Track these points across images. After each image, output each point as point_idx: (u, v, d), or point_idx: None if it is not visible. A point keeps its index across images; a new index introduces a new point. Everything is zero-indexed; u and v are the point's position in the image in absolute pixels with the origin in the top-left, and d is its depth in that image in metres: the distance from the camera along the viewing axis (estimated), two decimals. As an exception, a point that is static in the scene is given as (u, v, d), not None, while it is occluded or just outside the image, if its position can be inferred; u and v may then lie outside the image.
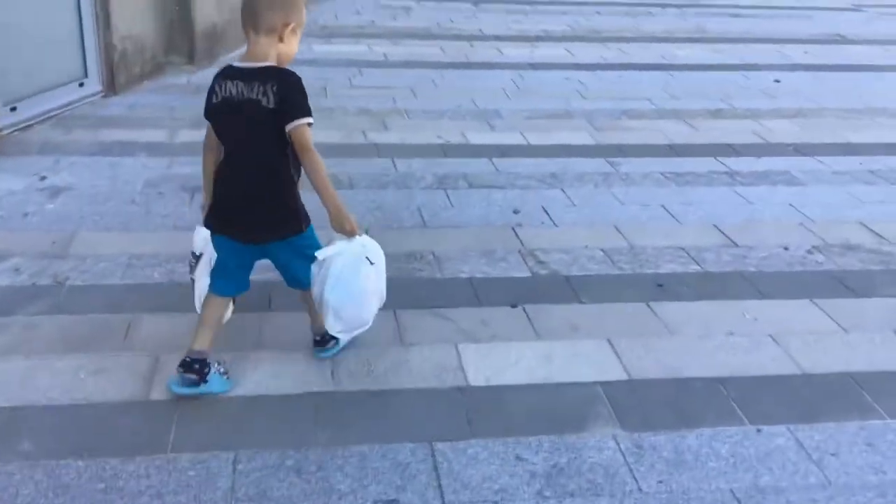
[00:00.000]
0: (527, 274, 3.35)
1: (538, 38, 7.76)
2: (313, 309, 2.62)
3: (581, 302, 3.15)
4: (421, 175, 4.31)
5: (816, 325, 3.04)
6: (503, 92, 5.98)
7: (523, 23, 8.46)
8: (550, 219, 3.88)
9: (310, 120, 2.41)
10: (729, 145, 5.01)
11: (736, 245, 3.67)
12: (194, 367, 2.50)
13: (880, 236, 3.81)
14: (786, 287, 3.32)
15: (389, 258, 2.65)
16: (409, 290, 3.14)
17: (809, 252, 3.63)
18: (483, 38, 7.71)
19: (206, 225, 2.59)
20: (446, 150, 4.76)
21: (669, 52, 7.45)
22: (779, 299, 3.22)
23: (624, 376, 2.69)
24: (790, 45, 7.92)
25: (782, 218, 4.00)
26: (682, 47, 7.66)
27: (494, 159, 4.61)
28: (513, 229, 3.74)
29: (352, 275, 2.50)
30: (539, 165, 4.55)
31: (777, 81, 6.55)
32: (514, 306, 3.08)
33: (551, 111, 5.58)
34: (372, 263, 2.53)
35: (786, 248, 3.65)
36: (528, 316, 3.02)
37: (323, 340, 2.73)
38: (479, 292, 3.18)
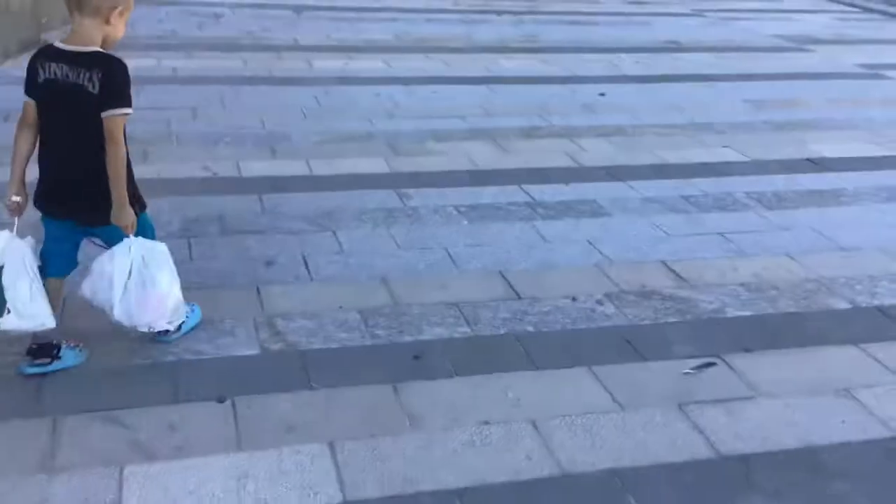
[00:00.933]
0: (255, 351, 2.72)
1: (356, 50, 7.18)
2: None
3: (311, 388, 2.55)
4: (167, 219, 3.60)
5: (590, 403, 2.54)
6: (301, 111, 5.38)
7: (345, 31, 7.88)
8: (308, 271, 3.29)
9: (127, 111, 2.45)
10: (537, 170, 4.55)
11: (519, 297, 3.16)
12: (43, 352, 2.56)
13: (680, 277, 3.39)
14: (563, 352, 2.81)
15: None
16: (89, 385, 2.48)
17: (599, 303, 3.16)
18: (295, 48, 7.08)
19: (37, 205, 2.57)
20: (208, 186, 4.09)
21: (496, 63, 7.02)
22: (552, 369, 2.71)
23: (337, 499, 2.13)
24: (623, 53, 7.64)
25: (577, 260, 3.54)
26: (511, 58, 7.25)
27: (264, 195, 3.98)
28: (257, 289, 3.12)
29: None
30: (316, 201, 3.95)
31: (602, 95, 6.19)
32: (221, 401, 2.44)
33: (349, 133, 5.00)
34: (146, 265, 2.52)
35: (573, 300, 3.16)
36: (235, 414, 2.39)
37: (39, 351, 2.60)
38: (181, 382, 2.54)
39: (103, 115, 2.38)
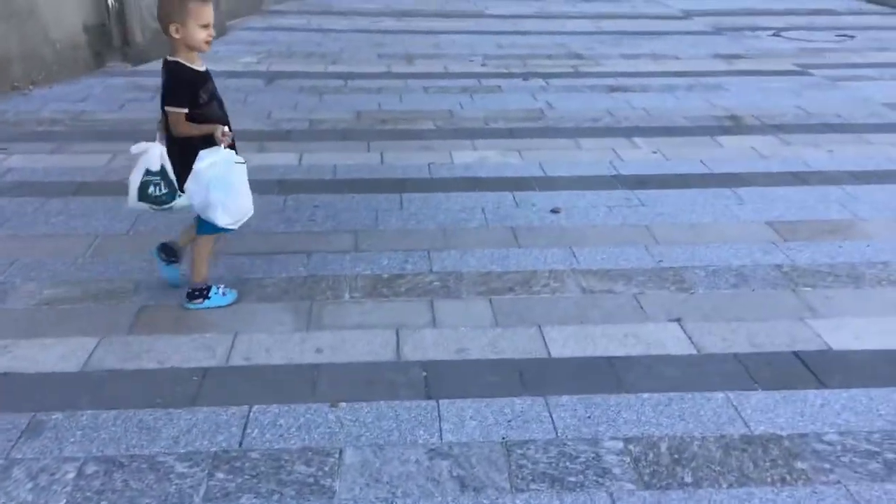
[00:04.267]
0: None
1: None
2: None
3: None
4: None
5: None
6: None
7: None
8: None
9: (177, 110, 3.22)
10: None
11: None
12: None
13: None
14: None
15: None
16: None
17: None
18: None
19: None
20: None
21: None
22: None
23: None
24: (638, 138, 5.87)
25: None
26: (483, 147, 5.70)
27: None
28: None
29: (227, 172, 3.23)
30: None
31: (555, 211, 4.54)
32: None
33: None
34: (243, 162, 3.32)
35: None
36: None
37: (192, 294, 3.49)
38: None
39: (165, 108, 3.24)
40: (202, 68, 3.37)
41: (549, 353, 3.16)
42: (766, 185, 4.94)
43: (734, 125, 6.18)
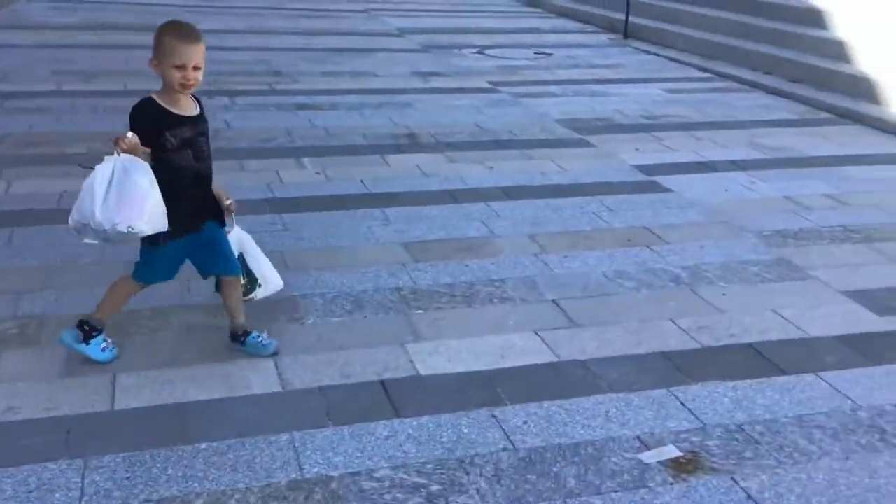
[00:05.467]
0: None
1: None
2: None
3: None
4: None
5: None
6: None
7: None
8: None
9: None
10: None
11: None
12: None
13: None
14: None
15: None
16: None
17: None
18: None
19: None
20: None
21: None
22: None
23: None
24: (307, 158, 5.78)
25: None
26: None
27: None
28: None
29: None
30: None
31: None
32: None
33: None
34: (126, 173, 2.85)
35: None
36: None
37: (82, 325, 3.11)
38: None
39: None
40: (185, 111, 3.03)
41: (112, 406, 2.89)
42: (417, 204, 4.95)
43: (410, 143, 6.24)
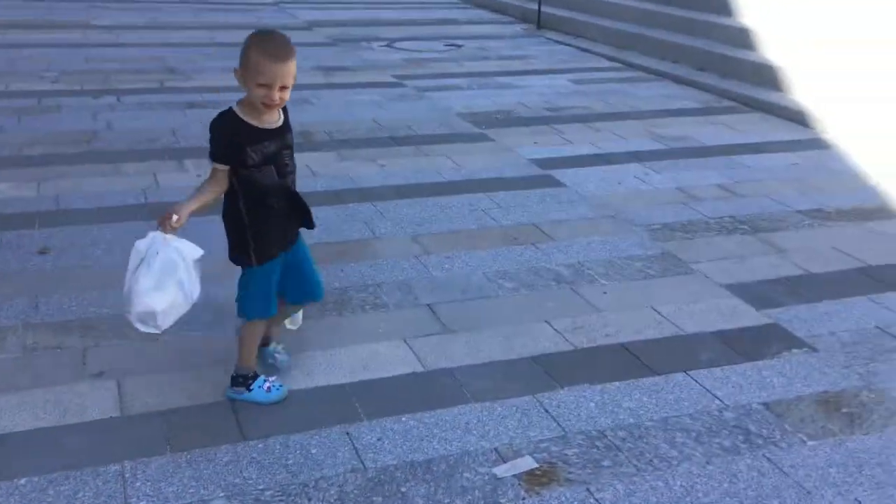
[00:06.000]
0: None
1: None
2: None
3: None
4: None
5: None
6: None
7: None
8: None
9: (213, 164, 2.74)
10: None
11: None
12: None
13: None
14: None
15: None
16: None
17: None
18: None
19: None
20: None
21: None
22: None
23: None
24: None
25: None
26: None
27: None
28: None
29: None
30: None
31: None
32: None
33: None
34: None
35: None
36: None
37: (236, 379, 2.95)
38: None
39: None
40: (268, 124, 2.75)
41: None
42: (300, 206, 4.79)
43: (302, 141, 6.01)
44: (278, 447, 2.69)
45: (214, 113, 2.77)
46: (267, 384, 2.94)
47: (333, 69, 8.56)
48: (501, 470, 2.63)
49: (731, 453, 2.75)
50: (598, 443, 2.77)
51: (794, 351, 3.40)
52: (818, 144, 6.43)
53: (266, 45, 2.66)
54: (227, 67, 8.10)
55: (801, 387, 3.14)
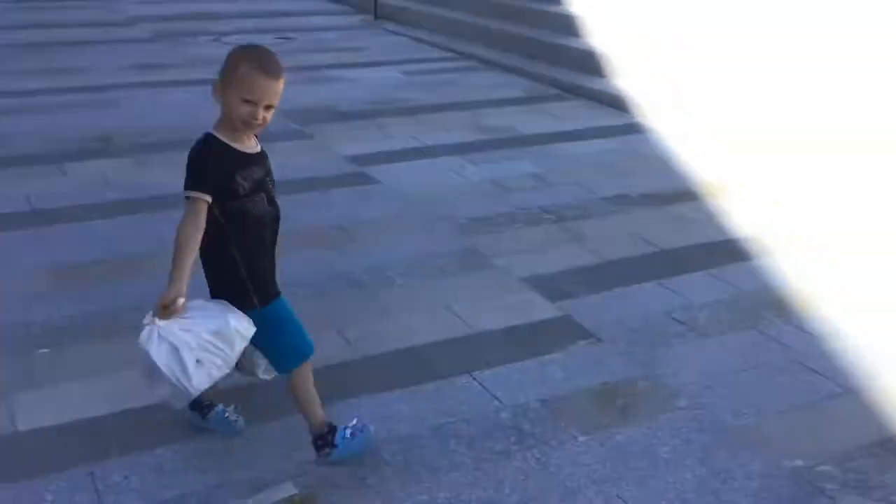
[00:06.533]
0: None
1: None
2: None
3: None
4: None
5: None
6: None
7: None
8: None
9: (189, 193, 2.34)
10: None
11: None
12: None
13: None
14: None
15: None
16: None
17: None
18: None
19: None
20: None
21: None
22: None
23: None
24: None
25: None
26: None
27: None
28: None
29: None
30: None
31: None
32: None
33: None
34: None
35: None
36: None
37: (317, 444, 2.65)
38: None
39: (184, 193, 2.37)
40: (249, 149, 2.47)
41: None
42: (85, 220, 4.44)
43: (100, 148, 5.66)
44: (8, 497, 2.44)
45: (6, 120, 2.45)
46: (346, 433, 2.64)
47: (150, 67, 8.13)
48: (258, 500, 2.46)
49: (501, 457, 2.68)
50: (367, 460, 2.66)
51: (580, 343, 3.40)
52: (635, 129, 6.56)
53: (258, 58, 2.40)
54: (29, 70, 7.64)
55: (580, 380, 3.13)
